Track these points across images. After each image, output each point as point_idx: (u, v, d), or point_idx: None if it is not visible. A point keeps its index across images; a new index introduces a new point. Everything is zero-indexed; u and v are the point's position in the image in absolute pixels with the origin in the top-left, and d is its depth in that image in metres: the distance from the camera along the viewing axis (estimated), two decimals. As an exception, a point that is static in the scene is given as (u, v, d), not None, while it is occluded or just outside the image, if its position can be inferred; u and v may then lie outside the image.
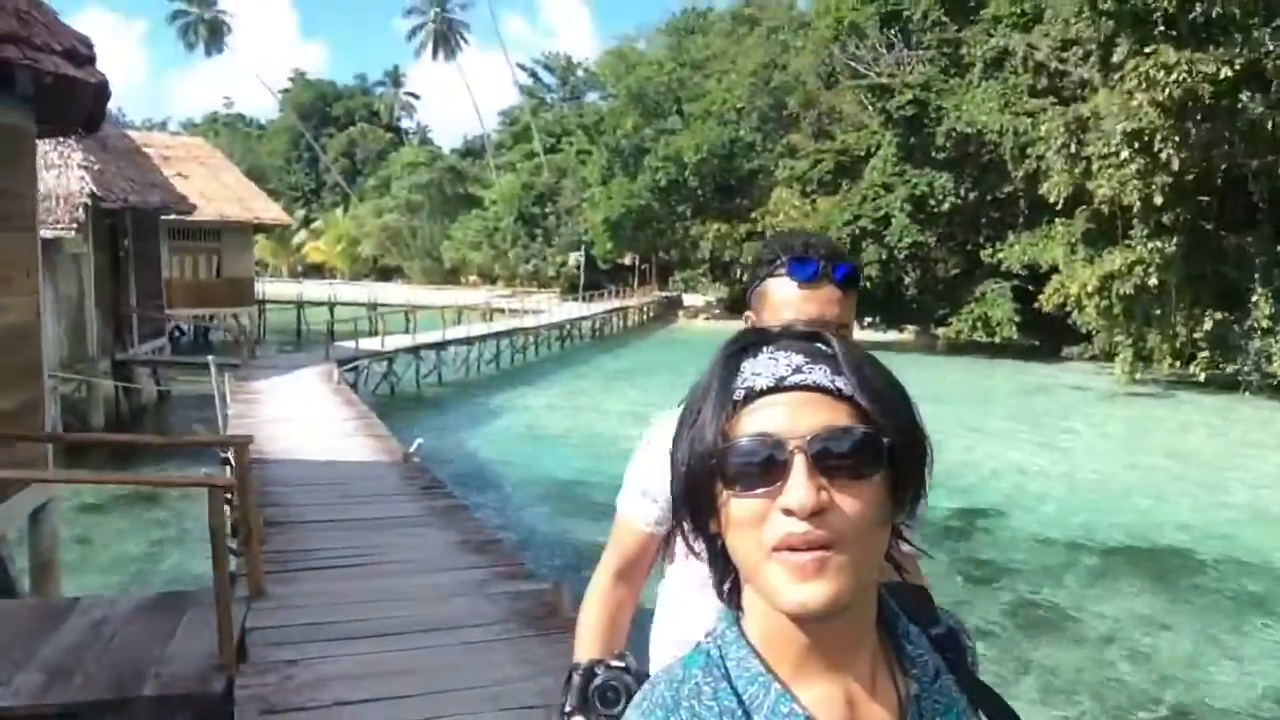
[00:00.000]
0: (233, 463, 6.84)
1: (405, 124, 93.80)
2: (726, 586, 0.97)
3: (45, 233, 14.87)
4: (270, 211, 35.40)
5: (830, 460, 0.86)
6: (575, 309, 44.30)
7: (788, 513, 0.85)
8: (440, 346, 27.22)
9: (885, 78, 37.66)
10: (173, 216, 24.49)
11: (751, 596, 0.94)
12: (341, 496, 8.97)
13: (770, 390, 0.89)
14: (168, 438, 13.31)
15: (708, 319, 51.93)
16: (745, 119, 50.36)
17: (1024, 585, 10.67)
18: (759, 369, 0.91)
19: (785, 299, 1.82)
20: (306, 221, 78.56)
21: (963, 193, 34.85)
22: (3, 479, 6.91)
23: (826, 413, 0.88)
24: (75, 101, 7.19)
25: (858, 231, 36.66)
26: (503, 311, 38.97)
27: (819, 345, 0.93)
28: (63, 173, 16.93)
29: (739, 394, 0.90)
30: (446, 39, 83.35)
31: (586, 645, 1.80)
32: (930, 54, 36.72)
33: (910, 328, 40.36)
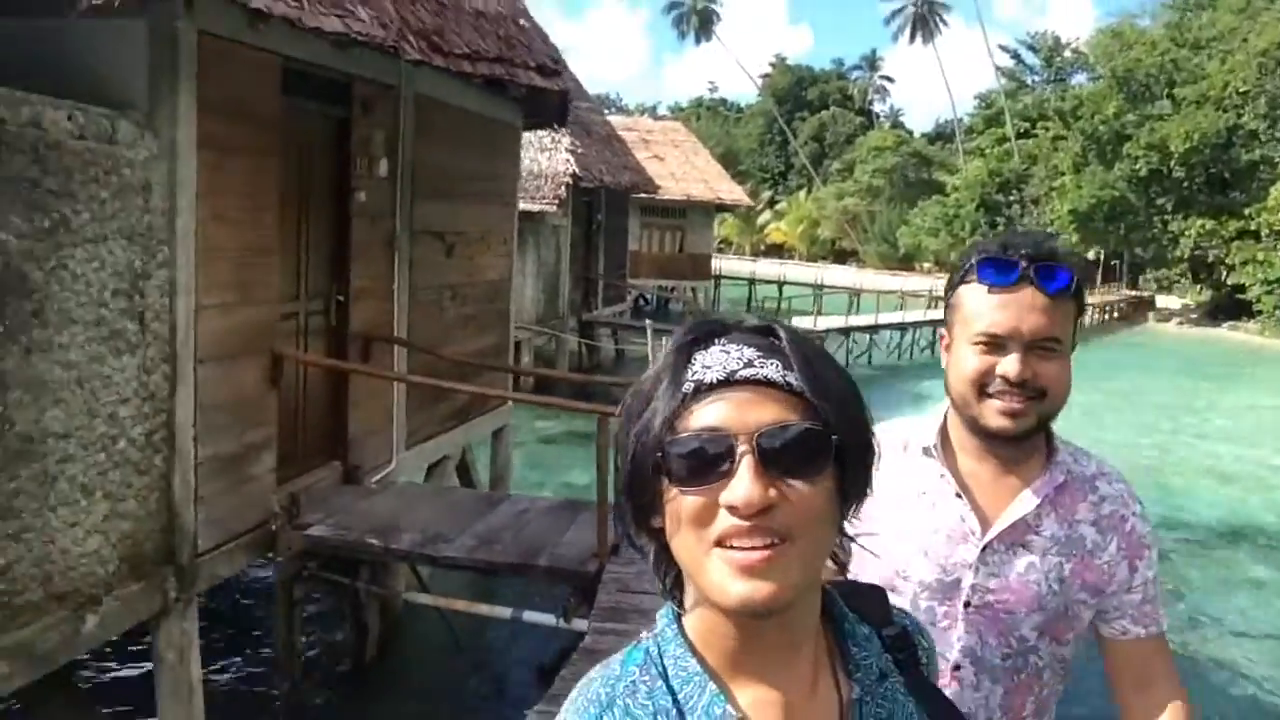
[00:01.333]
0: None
1: (878, 108, 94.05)
2: (669, 583, 0.96)
3: (531, 206, 17.58)
4: (733, 193, 37.72)
5: (778, 457, 0.85)
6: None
7: (733, 509, 0.84)
8: (873, 330, 27.76)
9: None
10: (641, 195, 27.24)
11: (693, 594, 0.93)
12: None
13: (720, 384, 0.88)
14: (584, 377, 15.46)
15: (1181, 323, 47.29)
16: (1251, 103, 45.02)
17: None
18: (710, 362, 0.89)
19: (976, 310, 1.62)
20: (772, 202, 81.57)
21: None
22: (479, 397, 8.77)
23: (776, 408, 0.87)
24: (547, 103, 8.86)
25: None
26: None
27: (772, 339, 0.92)
28: (552, 155, 19.70)
29: (689, 386, 0.89)
30: (926, 22, 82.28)
31: None
32: None
33: None
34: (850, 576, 1.41)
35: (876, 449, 0.93)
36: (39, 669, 4.50)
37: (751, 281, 43.89)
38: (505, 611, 6.34)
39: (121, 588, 4.92)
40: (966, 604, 1.67)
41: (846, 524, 0.95)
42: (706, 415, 0.87)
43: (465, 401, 8.80)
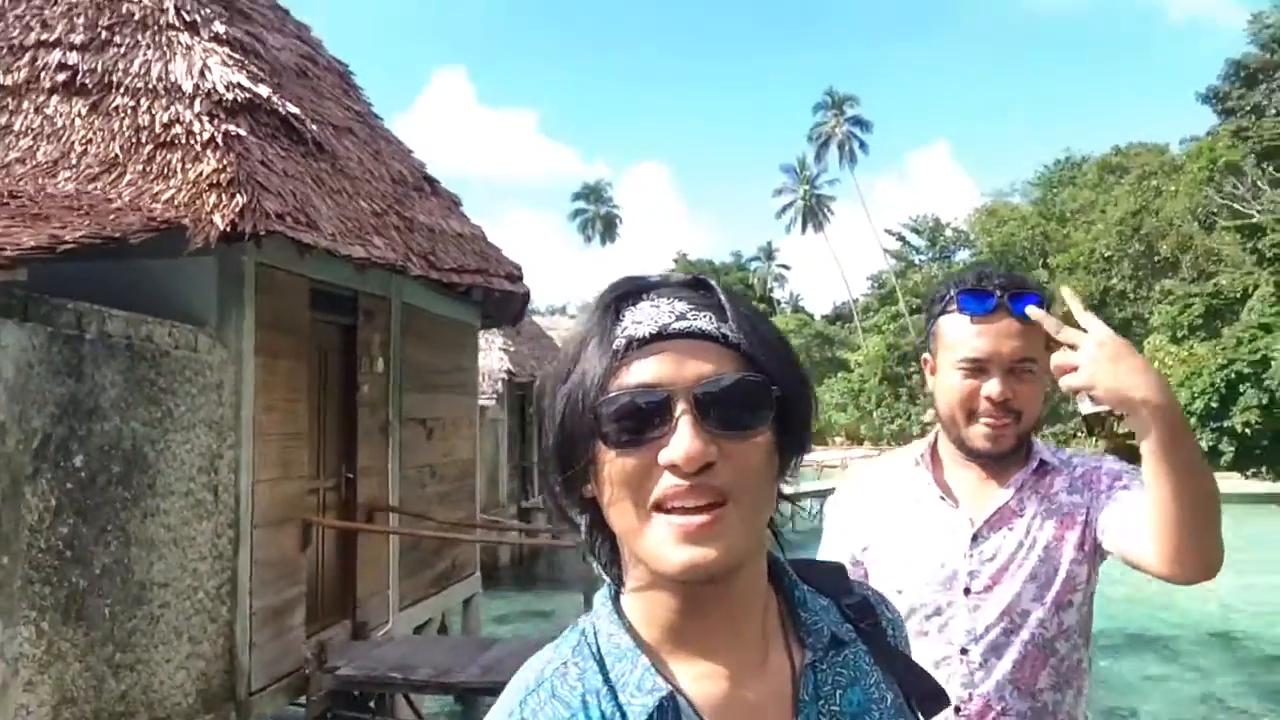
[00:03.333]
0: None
1: (778, 294, 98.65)
2: (603, 559, 0.91)
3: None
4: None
5: (717, 410, 0.81)
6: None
7: (673, 468, 0.79)
8: (795, 499, 29.05)
9: (1264, 216, 36.10)
10: (570, 386, 28.72)
11: (630, 567, 0.88)
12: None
13: (653, 338, 0.83)
14: (534, 526, 16.67)
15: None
16: (1116, 267, 49.31)
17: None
18: (640, 317, 0.84)
19: (959, 337, 1.77)
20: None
21: (1357, 333, 32.29)
22: (455, 567, 9.85)
23: (713, 361, 0.82)
24: (509, 306, 10.38)
25: (1233, 375, 34.77)
26: (863, 467, 40.28)
27: (703, 293, 0.88)
28: (488, 354, 21.22)
29: (619, 343, 0.83)
30: (814, 213, 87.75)
31: None
32: (1310, 189, 34.93)
33: (1310, 479, 36.91)
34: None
35: (814, 403, 0.90)
36: (144, 785, 5.42)
37: (675, 464, 45.17)
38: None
39: (197, 718, 5.88)
40: (966, 590, 1.79)
41: (784, 484, 0.90)
42: (640, 371, 0.82)
43: (444, 570, 9.88)
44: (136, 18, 7.33)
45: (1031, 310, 1.66)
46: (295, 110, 7.34)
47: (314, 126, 7.49)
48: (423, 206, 8.72)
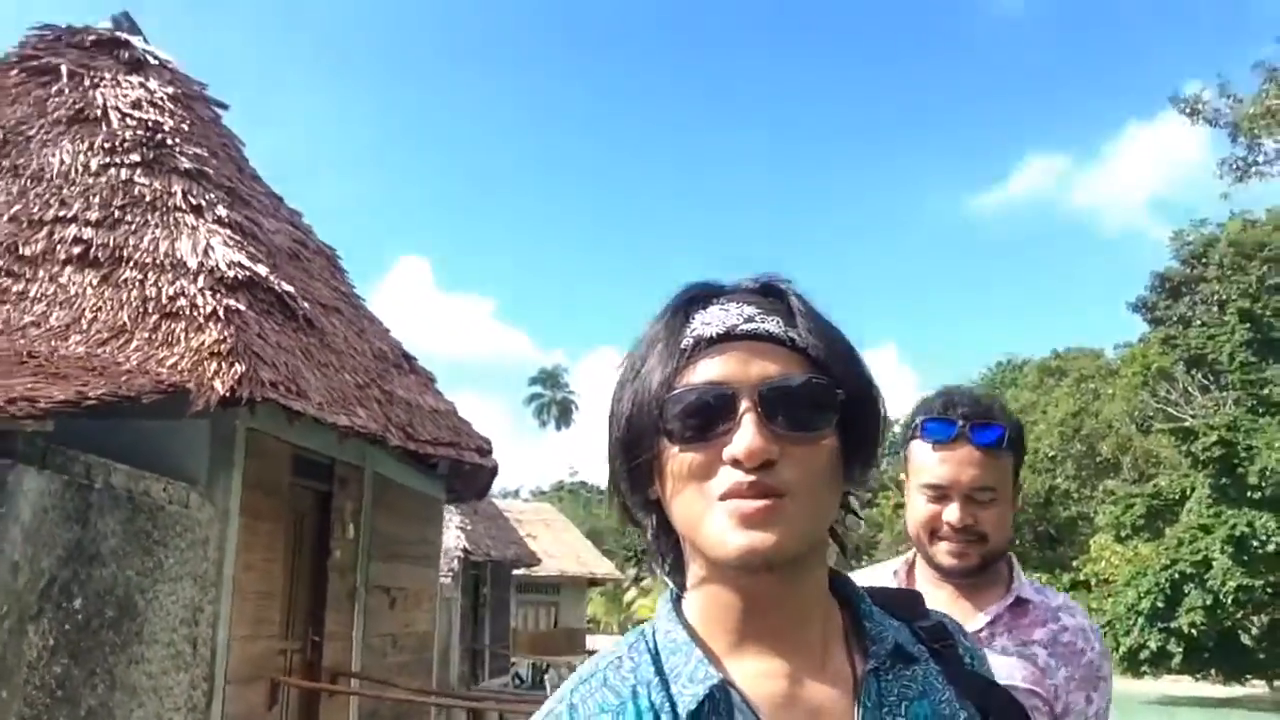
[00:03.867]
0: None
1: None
2: (669, 564, 0.94)
3: (432, 578, 18.97)
4: (604, 567, 39.46)
5: (781, 410, 0.84)
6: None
7: (736, 463, 0.83)
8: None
9: (1196, 420, 37.66)
10: (521, 571, 28.69)
11: (690, 563, 0.91)
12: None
13: (721, 339, 0.87)
14: (513, 695, 16.44)
15: (1035, 674, 49.54)
16: (1060, 466, 50.58)
17: None
18: (709, 319, 0.89)
19: (922, 463, 1.80)
20: (636, 579, 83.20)
21: (1292, 533, 33.28)
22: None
23: (779, 362, 0.86)
24: (477, 480, 10.79)
25: (1177, 576, 35.40)
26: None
27: (772, 299, 0.91)
28: (445, 531, 21.33)
29: (687, 342, 0.87)
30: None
31: None
32: (1236, 394, 36.64)
33: (1256, 681, 37.10)
34: None
35: (883, 409, 0.91)
36: None
37: (626, 655, 44.37)
38: None
39: None
40: None
41: (852, 495, 0.92)
42: (707, 369, 0.86)
43: (399, 742, 9.87)
44: (147, 199, 7.98)
45: None
46: (289, 289, 7.93)
47: (305, 304, 8.07)
48: (401, 382, 9.25)
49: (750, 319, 0.88)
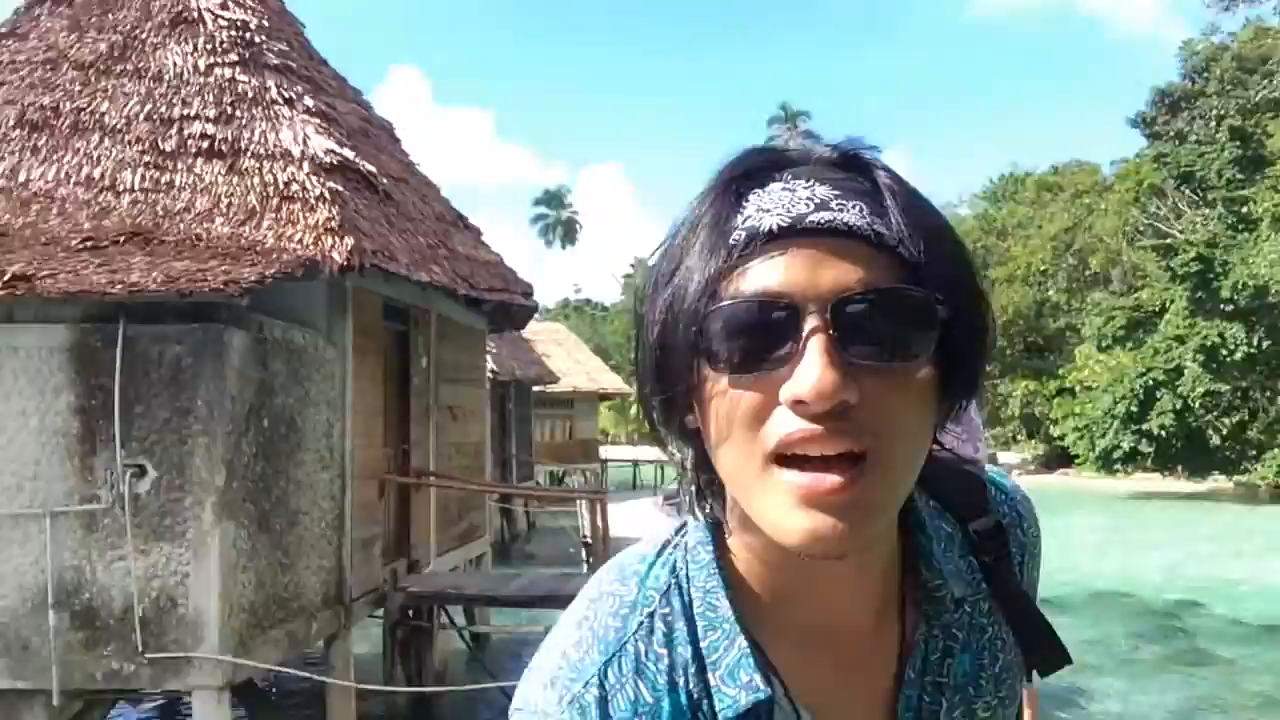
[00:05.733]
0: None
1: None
2: (710, 503, 0.77)
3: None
4: (614, 383, 42.11)
5: (863, 332, 0.64)
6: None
7: (798, 404, 0.63)
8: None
9: (1182, 236, 39.39)
10: (539, 388, 31.17)
11: (737, 516, 0.73)
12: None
13: (783, 233, 0.65)
14: (555, 491, 18.98)
15: (1020, 474, 52.87)
16: (1051, 280, 52.56)
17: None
18: (769, 204, 0.67)
19: None
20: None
21: (1256, 342, 35.57)
22: (474, 527, 12.24)
23: (861, 265, 0.65)
24: (518, 315, 12.82)
25: (1151, 382, 37.96)
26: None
27: (855, 175, 0.69)
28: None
29: (738, 236, 0.66)
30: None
31: None
32: (1218, 211, 38.22)
33: (1220, 477, 40.22)
34: None
35: (992, 325, 0.71)
36: (291, 651, 7.77)
37: (635, 464, 47.80)
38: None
39: (321, 612, 8.23)
40: None
41: (941, 435, 0.73)
42: (763, 275, 0.64)
43: (465, 529, 12.26)
44: (250, 96, 9.64)
45: None
46: (371, 168, 9.71)
47: (384, 180, 9.87)
48: (459, 239, 11.12)
49: (824, 205, 0.65)
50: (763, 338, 0.65)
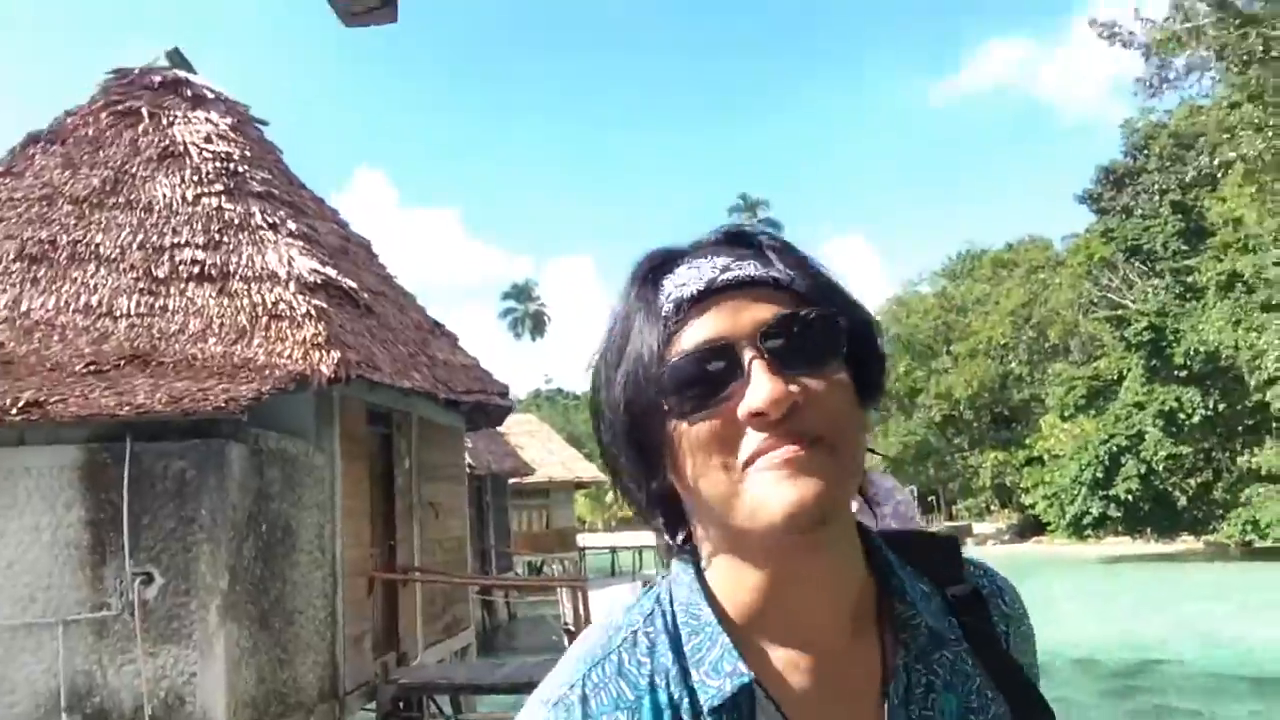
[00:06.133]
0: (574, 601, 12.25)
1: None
2: (681, 538, 0.86)
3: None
4: (586, 471, 42.50)
5: (789, 350, 0.77)
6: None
7: (757, 415, 0.75)
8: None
9: (1134, 306, 40.71)
10: (515, 480, 31.64)
11: (708, 544, 0.83)
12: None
13: (702, 296, 0.79)
14: (537, 580, 19.15)
15: (995, 544, 53.31)
16: (1014, 353, 53.76)
17: None
18: (682, 279, 0.81)
19: None
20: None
21: (1211, 405, 36.66)
22: (458, 620, 12.68)
23: (771, 304, 0.79)
24: (494, 414, 13.45)
25: (1115, 449, 38.88)
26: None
27: (739, 246, 0.84)
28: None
29: (669, 308, 0.80)
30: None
31: None
32: (1166, 281, 39.64)
33: (1189, 537, 40.92)
34: None
35: (877, 326, 0.86)
36: (291, 746, 8.20)
37: (613, 550, 47.90)
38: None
39: (318, 705, 8.67)
40: None
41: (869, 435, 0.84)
42: (698, 331, 0.78)
43: (449, 622, 12.70)
44: (235, 222, 10.37)
45: None
46: (353, 284, 10.42)
47: (365, 294, 10.57)
48: (437, 345, 11.82)
49: (726, 268, 0.80)
50: (711, 379, 0.77)
